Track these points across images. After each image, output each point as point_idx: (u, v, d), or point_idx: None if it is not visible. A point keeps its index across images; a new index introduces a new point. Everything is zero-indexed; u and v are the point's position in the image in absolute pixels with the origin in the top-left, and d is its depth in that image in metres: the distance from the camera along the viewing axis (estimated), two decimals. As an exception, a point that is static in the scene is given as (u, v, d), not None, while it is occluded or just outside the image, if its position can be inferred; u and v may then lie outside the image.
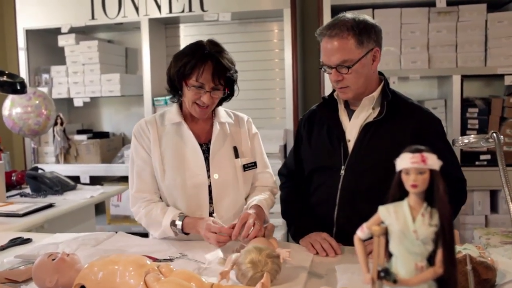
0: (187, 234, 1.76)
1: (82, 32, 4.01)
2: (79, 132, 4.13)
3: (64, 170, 3.52)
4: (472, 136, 1.33)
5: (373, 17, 2.79)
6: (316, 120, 1.89)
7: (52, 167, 3.62)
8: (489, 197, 3.11)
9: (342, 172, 1.74)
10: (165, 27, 4.01)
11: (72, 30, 3.82)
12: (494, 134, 1.22)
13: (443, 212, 0.70)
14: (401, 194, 0.73)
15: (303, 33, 3.81)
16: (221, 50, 1.77)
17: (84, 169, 3.85)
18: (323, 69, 1.72)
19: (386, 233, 0.74)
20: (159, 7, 3.63)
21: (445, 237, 0.69)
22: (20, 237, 1.87)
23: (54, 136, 3.91)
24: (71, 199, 2.64)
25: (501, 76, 3.07)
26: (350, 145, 1.75)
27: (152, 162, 1.83)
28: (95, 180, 3.83)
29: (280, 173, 2.04)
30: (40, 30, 3.92)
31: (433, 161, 0.71)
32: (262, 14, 3.67)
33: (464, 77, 3.10)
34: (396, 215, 0.71)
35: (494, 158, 3.02)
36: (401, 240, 0.71)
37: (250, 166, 1.89)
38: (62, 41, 3.89)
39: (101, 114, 4.37)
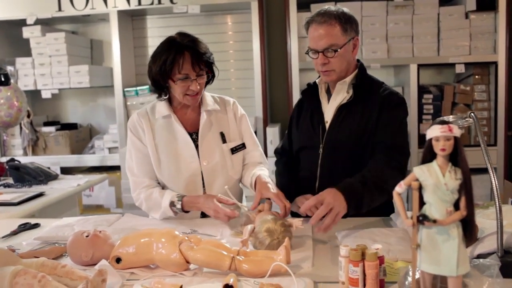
0: (187, 212, 1.90)
1: (46, 24, 3.99)
2: (46, 124, 4.13)
3: (34, 161, 3.51)
4: (451, 116, 1.51)
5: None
6: (304, 105, 2.09)
7: (21, 159, 3.60)
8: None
9: (321, 150, 1.95)
10: (131, 19, 4.06)
11: (36, 22, 3.80)
12: (472, 114, 1.42)
13: (464, 169, 0.91)
14: (431, 157, 0.93)
15: (268, 25, 3.98)
16: (193, 39, 1.89)
17: (54, 161, 3.87)
18: (309, 54, 1.91)
19: (419, 188, 0.94)
20: (128, -1, 3.69)
21: (467, 188, 0.91)
22: (27, 223, 1.94)
23: (21, 128, 3.90)
24: (58, 188, 2.69)
25: (452, 65, 3.38)
26: (328, 126, 1.96)
27: (148, 152, 1.96)
28: (65, 171, 3.85)
29: (276, 152, 2.23)
30: (2, 21, 3.88)
31: (457, 130, 0.91)
32: (230, 6, 3.81)
33: (419, 66, 3.39)
34: (430, 173, 0.92)
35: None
36: (435, 192, 0.91)
37: (238, 149, 2.04)
38: (27, 32, 3.87)
39: (67, 106, 4.37)
